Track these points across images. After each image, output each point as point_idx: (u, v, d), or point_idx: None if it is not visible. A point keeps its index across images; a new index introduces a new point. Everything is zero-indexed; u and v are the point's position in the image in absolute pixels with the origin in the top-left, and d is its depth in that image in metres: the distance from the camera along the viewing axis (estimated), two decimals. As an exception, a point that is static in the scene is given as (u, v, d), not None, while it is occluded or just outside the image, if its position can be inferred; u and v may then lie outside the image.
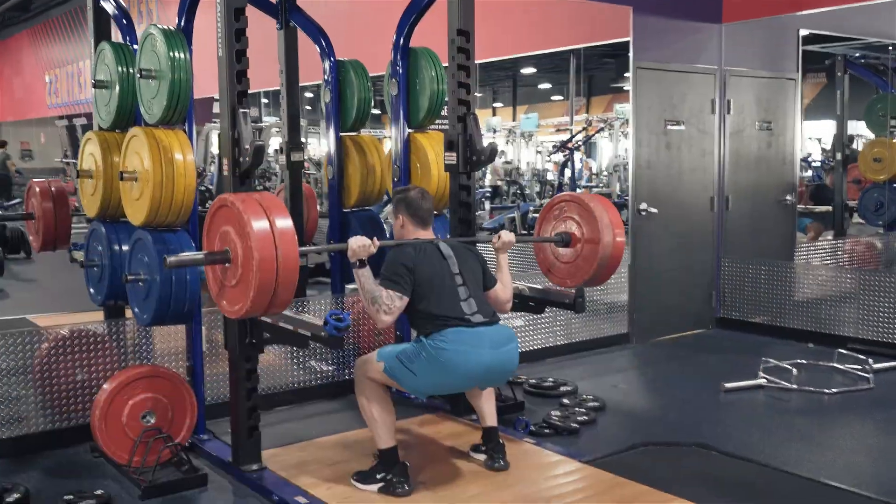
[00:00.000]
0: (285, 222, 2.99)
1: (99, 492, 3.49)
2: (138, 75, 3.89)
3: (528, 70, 21.78)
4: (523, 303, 4.15)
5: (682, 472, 3.79)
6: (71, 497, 3.44)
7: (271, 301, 2.98)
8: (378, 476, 3.43)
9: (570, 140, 12.39)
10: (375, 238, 3.38)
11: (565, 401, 4.76)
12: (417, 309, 3.43)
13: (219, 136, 3.76)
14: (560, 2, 7.11)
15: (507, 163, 15.05)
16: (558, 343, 5.96)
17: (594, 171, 15.10)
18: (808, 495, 3.53)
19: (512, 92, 24.48)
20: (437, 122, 4.76)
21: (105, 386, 3.74)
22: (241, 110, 3.51)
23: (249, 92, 3.59)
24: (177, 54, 3.76)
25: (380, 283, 3.39)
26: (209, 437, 4.06)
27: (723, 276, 6.76)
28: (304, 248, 3.42)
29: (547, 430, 4.27)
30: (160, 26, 3.85)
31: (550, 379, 5.14)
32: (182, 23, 3.97)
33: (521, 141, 17.38)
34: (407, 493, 3.38)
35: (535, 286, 4.25)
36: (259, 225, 2.94)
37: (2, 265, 8.85)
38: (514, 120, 21.53)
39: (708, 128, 6.62)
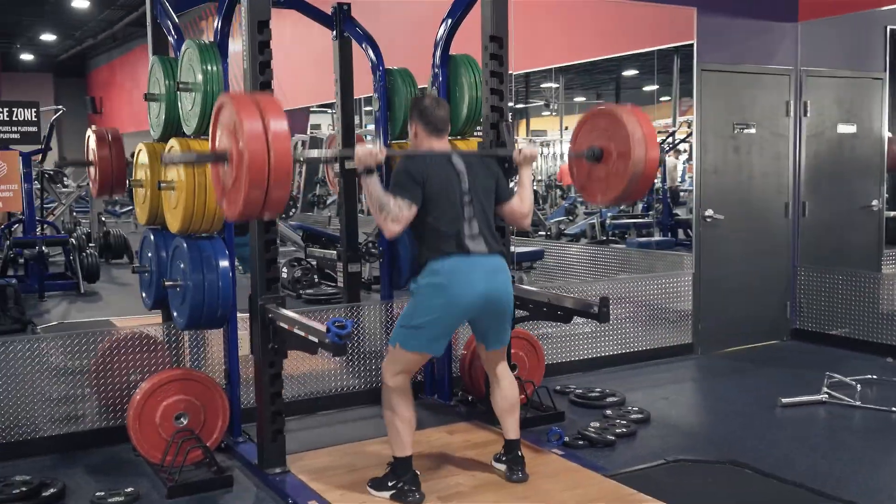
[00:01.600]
0: (279, 122, 2.95)
1: (129, 489, 3.64)
2: (176, 88, 4.05)
3: (631, 72, 21.45)
4: (551, 312, 4.08)
5: (707, 490, 3.66)
6: (102, 493, 3.61)
7: (266, 200, 2.97)
8: (390, 484, 3.44)
9: (661, 143, 12.13)
10: (382, 146, 3.37)
11: (608, 412, 4.66)
12: (423, 221, 3.41)
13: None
14: (619, 4, 6.97)
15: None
16: (616, 352, 5.83)
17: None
18: (840, 520, 3.34)
19: (615, 94, 24.15)
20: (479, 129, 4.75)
21: (140, 387, 3.88)
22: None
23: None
24: (210, 67, 3.90)
25: (389, 191, 3.36)
26: (244, 440, 4.17)
27: (799, 286, 6.46)
28: (301, 155, 3.41)
29: (581, 442, 4.19)
30: (197, 41, 4.00)
31: (598, 389, 5.04)
32: (218, 37, 4.09)
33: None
34: (417, 501, 3.38)
35: (562, 294, 4.17)
36: (251, 124, 2.91)
37: (97, 270, 9.32)
38: (617, 123, 21.16)
39: (782, 130, 6.34)
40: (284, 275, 8.78)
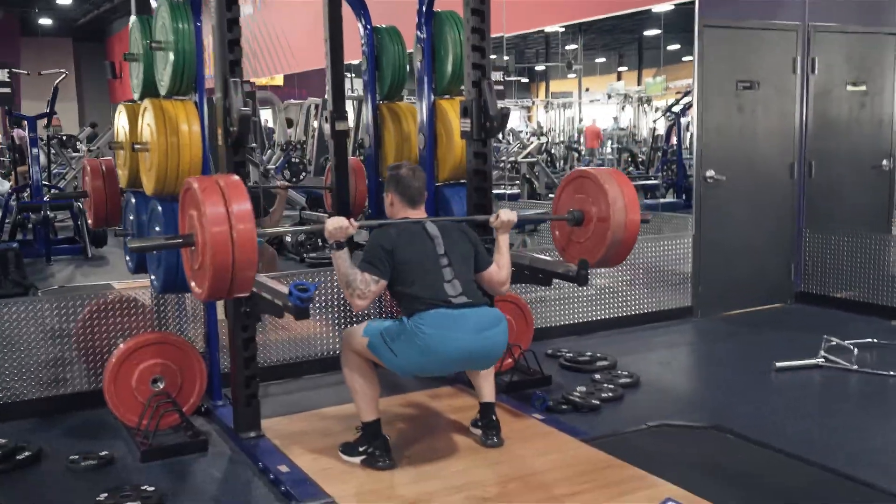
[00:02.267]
0: (242, 206, 2.92)
1: (104, 453, 3.63)
2: (149, 48, 3.97)
3: (653, 31, 21.07)
4: (532, 274, 3.99)
5: (686, 455, 3.58)
6: (77, 457, 3.59)
7: (231, 284, 2.96)
8: (360, 449, 3.40)
9: (675, 104, 11.91)
10: (353, 220, 3.31)
11: (597, 376, 4.58)
12: (400, 291, 3.35)
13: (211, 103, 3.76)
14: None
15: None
16: (613, 316, 5.74)
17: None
18: (819, 487, 3.24)
19: (637, 55, 23.75)
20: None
21: (115, 350, 3.86)
22: (232, 79, 3.50)
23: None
24: (181, 25, 3.82)
25: (358, 265, 3.31)
26: (224, 404, 4.14)
27: (805, 248, 6.31)
28: (264, 230, 3.39)
29: (564, 407, 4.11)
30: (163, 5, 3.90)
31: (588, 353, 4.96)
32: (190, -6, 4.00)
33: (642, 106, 16.85)
34: (388, 466, 3.34)
35: (540, 257, 4.07)
36: (213, 210, 2.89)
37: (104, 235, 9.35)
38: (639, 84, 20.93)
39: (788, 89, 6.16)
40: (289, 238, 8.76)
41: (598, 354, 4.95)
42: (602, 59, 24.20)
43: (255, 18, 13.93)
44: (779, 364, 4.72)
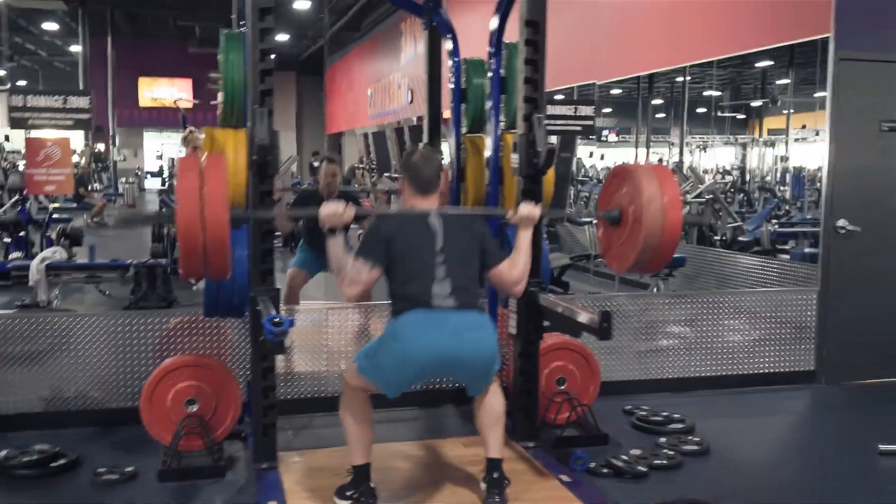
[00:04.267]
0: (216, 186, 2.94)
1: (130, 469, 3.74)
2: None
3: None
4: (555, 323, 3.71)
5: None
6: (103, 470, 3.73)
7: (205, 264, 2.98)
8: (348, 493, 3.28)
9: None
10: (350, 204, 3.19)
11: (662, 440, 4.16)
12: (392, 288, 3.21)
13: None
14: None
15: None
16: (718, 373, 5.23)
17: None
18: None
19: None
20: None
21: (153, 371, 3.97)
22: (259, 109, 3.49)
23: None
24: (231, 56, 3.90)
25: (354, 252, 3.19)
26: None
27: (962, 314, 5.46)
28: (238, 212, 3.37)
29: (605, 471, 3.77)
30: (230, 31, 4.01)
31: (665, 413, 4.53)
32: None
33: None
34: (369, 513, 3.19)
35: (574, 307, 3.74)
36: (186, 184, 2.93)
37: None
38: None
39: (947, 130, 5.38)
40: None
41: (676, 415, 4.51)
42: (820, 94, 22.68)
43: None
44: (883, 447, 4.08)
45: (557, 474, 3.65)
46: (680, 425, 4.41)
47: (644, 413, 4.55)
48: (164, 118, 24.56)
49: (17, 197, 9.44)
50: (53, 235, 8.67)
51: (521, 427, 4.01)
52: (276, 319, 2.95)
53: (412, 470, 3.67)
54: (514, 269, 3.32)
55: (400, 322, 3.12)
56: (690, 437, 4.20)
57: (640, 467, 3.78)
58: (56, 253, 7.65)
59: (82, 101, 4.05)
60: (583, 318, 3.44)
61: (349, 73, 22.95)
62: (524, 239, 3.37)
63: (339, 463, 3.75)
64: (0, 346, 4.35)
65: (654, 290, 7.51)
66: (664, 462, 3.87)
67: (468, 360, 3.16)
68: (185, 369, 3.93)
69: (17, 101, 3.96)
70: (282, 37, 23.83)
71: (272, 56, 3.58)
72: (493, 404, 3.34)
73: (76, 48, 19.80)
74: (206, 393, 3.93)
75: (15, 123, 4.00)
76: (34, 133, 4.86)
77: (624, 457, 3.86)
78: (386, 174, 13.87)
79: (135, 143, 26.77)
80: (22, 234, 8.97)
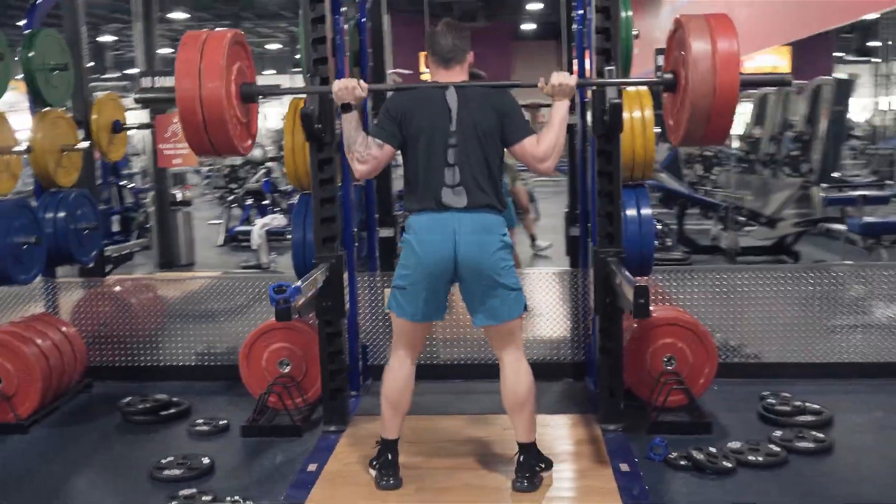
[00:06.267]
0: (213, 61, 3.02)
1: (223, 421, 3.99)
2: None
3: None
4: (618, 299, 3.33)
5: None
6: (201, 421, 4.01)
7: (210, 142, 3.11)
8: (373, 463, 3.23)
9: None
10: (360, 81, 3.07)
11: (778, 433, 3.63)
12: (405, 166, 3.08)
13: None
14: None
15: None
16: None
17: None
18: None
19: None
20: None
21: (250, 332, 4.17)
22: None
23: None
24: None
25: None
26: (356, 395, 4.21)
27: None
28: (252, 86, 3.32)
29: (683, 463, 3.37)
30: None
31: (800, 402, 3.94)
32: None
33: None
34: (389, 487, 3.13)
35: (626, 278, 3.31)
36: (184, 62, 3.03)
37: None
38: None
39: None
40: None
41: (814, 406, 3.90)
42: None
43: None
44: None
45: (618, 463, 3.32)
46: (812, 418, 3.82)
47: (775, 401, 3.99)
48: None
49: (263, 170, 10.37)
50: (284, 206, 9.45)
51: (604, 408, 3.70)
52: (281, 287, 2.98)
53: (451, 446, 3.54)
54: (541, 144, 3.00)
55: (411, 226, 3.03)
56: (814, 433, 3.61)
57: (726, 463, 3.33)
58: (274, 220, 8.32)
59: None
60: (628, 293, 3.07)
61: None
62: (557, 111, 3.04)
63: (411, 434, 3.72)
64: (201, 303, 4.83)
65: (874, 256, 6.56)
66: (760, 459, 3.37)
67: (475, 264, 2.96)
68: (278, 331, 4.09)
69: (146, 82, 4.32)
70: (535, 5, 23.60)
71: (323, 22, 3.57)
72: (515, 386, 3.11)
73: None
74: (297, 355, 4.07)
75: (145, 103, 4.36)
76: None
77: (712, 449, 3.42)
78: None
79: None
80: (265, 202, 9.87)
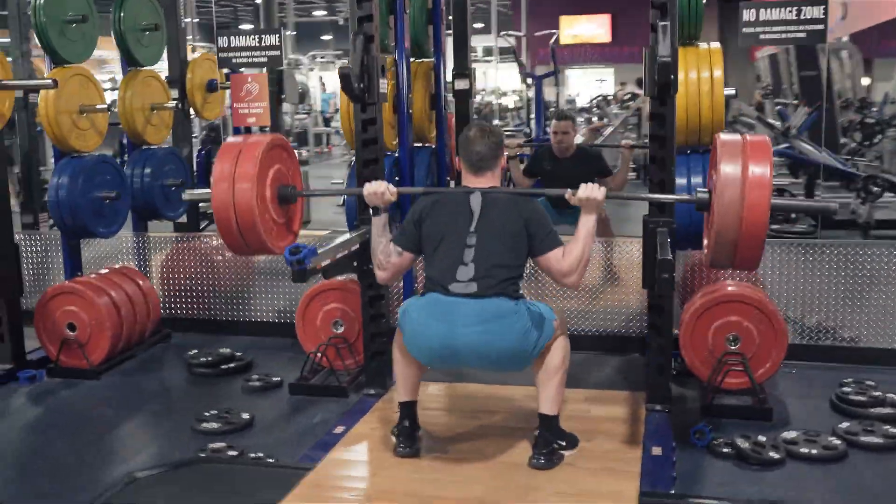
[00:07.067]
0: (246, 170, 3.11)
1: (276, 378, 4.07)
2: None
3: None
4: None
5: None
6: (256, 377, 4.10)
7: (244, 243, 3.23)
8: (393, 429, 3.18)
9: None
10: (390, 185, 3.05)
11: (844, 424, 3.32)
12: (424, 262, 3.02)
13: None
14: None
15: None
16: None
17: None
18: None
19: None
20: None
21: (307, 291, 4.19)
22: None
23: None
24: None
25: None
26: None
27: None
28: (302, 192, 3.49)
29: (726, 451, 3.14)
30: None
31: (878, 392, 3.59)
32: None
33: None
34: (403, 454, 3.06)
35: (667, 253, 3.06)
36: (220, 168, 3.15)
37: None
38: None
39: None
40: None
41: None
42: None
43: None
44: None
45: (651, 446, 3.12)
46: (890, 410, 3.47)
47: (851, 389, 3.65)
48: (587, 55, 24.94)
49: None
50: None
51: (650, 387, 3.49)
52: (295, 248, 2.97)
53: (476, 416, 3.44)
54: (566, 259, 2.86)
55: (415, 303, 2.94)
56: (887, 427, 3.27)
57: (773, 454, 3.08)
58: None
59: (273, 39, 4.34)
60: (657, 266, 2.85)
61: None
62: (584, 225, 2.88)
63: (447, 400, 3.69)
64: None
65: None
66: (814, 452, 3.09)
67: (484, 353, 2.83)
68: (332, 292, 4.11)
69: (222, 42, 4.38)
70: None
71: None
72: (550, 357, 2.97)
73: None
74: (350, 316, 4.08)
75: (221, 63, 4.44)
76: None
77: (761, 438, 3.17)
78: (778, 101, 12.38)
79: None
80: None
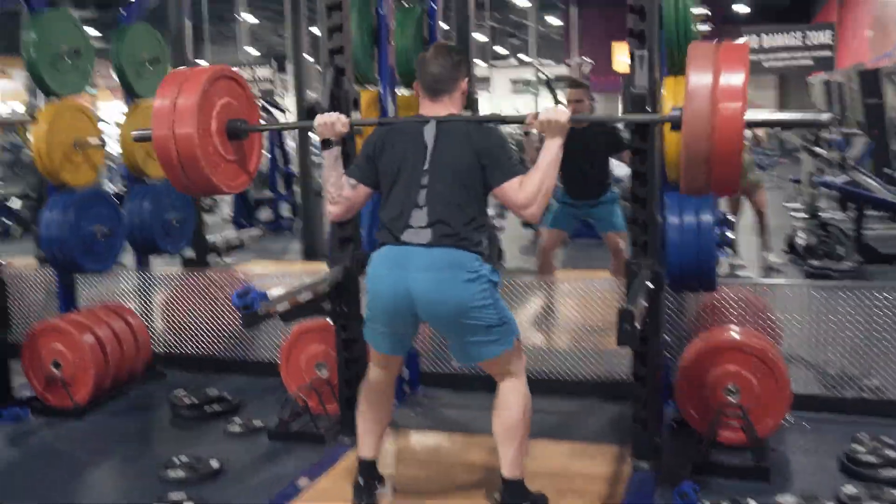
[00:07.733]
0: (187, 100, 2.93)
1: (258, 423, 3.91)
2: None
3: None
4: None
5: None
6: (239, 422, 3.95)
7: (186, 178, 3.03)
8: (354, 484, 2.99)
9: None
10: (342, 116, 2.87)
11: (848, 488, 3.02)
12: (380, 205, 2.82)
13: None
14: None
15: None
16: None
17: None
18: None
19: None
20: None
21: (292, 331, 4.05)
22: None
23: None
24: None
25: None
26: (396, 405, 3.98)
27: None
28: (254, 126, 3.21)
29: (712, 514, 2.89)
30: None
31: (892, 451, 3.28)
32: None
33: None
34: (358, 509, 2.88)
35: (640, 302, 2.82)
36: (160, 102, 2.98)
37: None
38: None
39: None
40: (801, 240, 7.46)
41: (915, 461, 3.23)
42: None
43: None
44: None
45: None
46: (899, 473, 3.15)
47: (864, 448, 3.34)
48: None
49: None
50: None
51: (636, 442, 3.24)
52: (243, 291, 2.83)
53: (452, 470, 3.24)
54: (524, 189, 2.63)
55: (371, 260, 2.76)
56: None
57: (760, 518, 2.81)
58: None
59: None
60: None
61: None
62: (547, 150, 2.66)
63: (418, 448, 3.49)
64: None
65: None
66: (813, 518, 2.82)
67: (433, 302, 2.63)
68: (315, 333, 3.97)
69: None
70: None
71: (339, 9, 3.35)
72: (504, 413, 2.77)
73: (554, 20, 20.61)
74: (331, 357, 3.90)
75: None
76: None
77: (751, 502, 2.89)
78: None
79: (611, 108, 27.07)
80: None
